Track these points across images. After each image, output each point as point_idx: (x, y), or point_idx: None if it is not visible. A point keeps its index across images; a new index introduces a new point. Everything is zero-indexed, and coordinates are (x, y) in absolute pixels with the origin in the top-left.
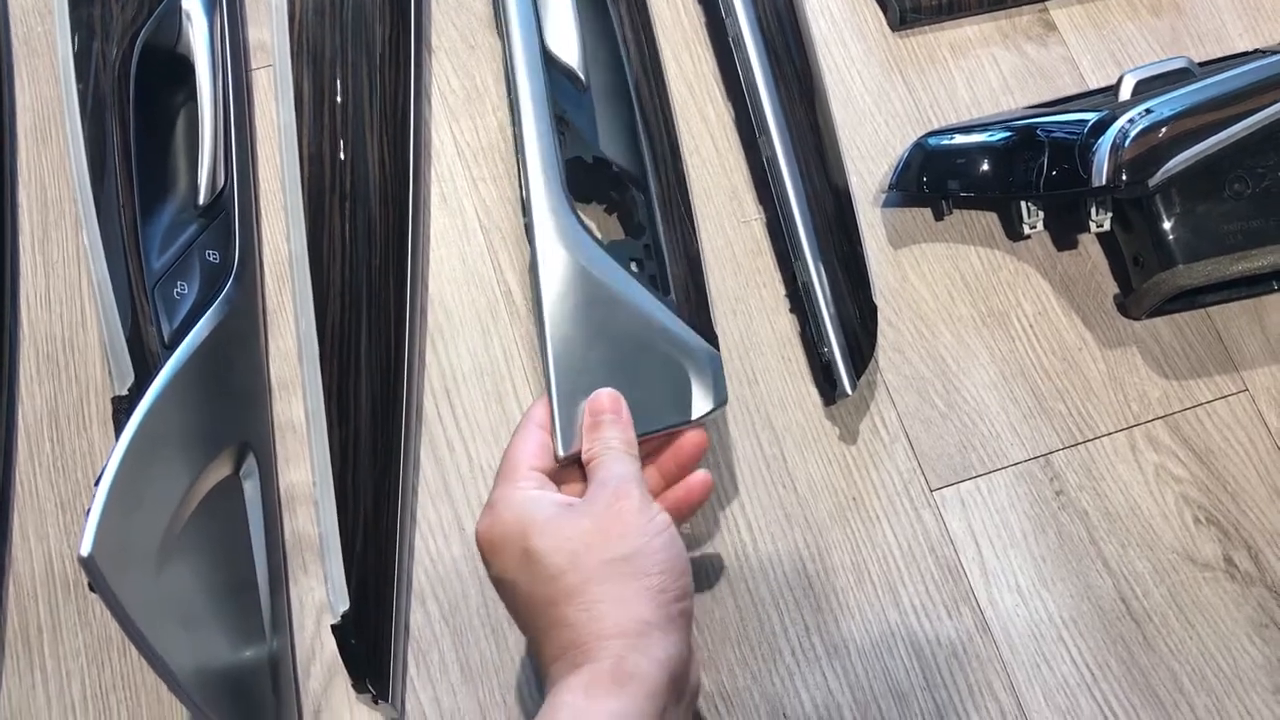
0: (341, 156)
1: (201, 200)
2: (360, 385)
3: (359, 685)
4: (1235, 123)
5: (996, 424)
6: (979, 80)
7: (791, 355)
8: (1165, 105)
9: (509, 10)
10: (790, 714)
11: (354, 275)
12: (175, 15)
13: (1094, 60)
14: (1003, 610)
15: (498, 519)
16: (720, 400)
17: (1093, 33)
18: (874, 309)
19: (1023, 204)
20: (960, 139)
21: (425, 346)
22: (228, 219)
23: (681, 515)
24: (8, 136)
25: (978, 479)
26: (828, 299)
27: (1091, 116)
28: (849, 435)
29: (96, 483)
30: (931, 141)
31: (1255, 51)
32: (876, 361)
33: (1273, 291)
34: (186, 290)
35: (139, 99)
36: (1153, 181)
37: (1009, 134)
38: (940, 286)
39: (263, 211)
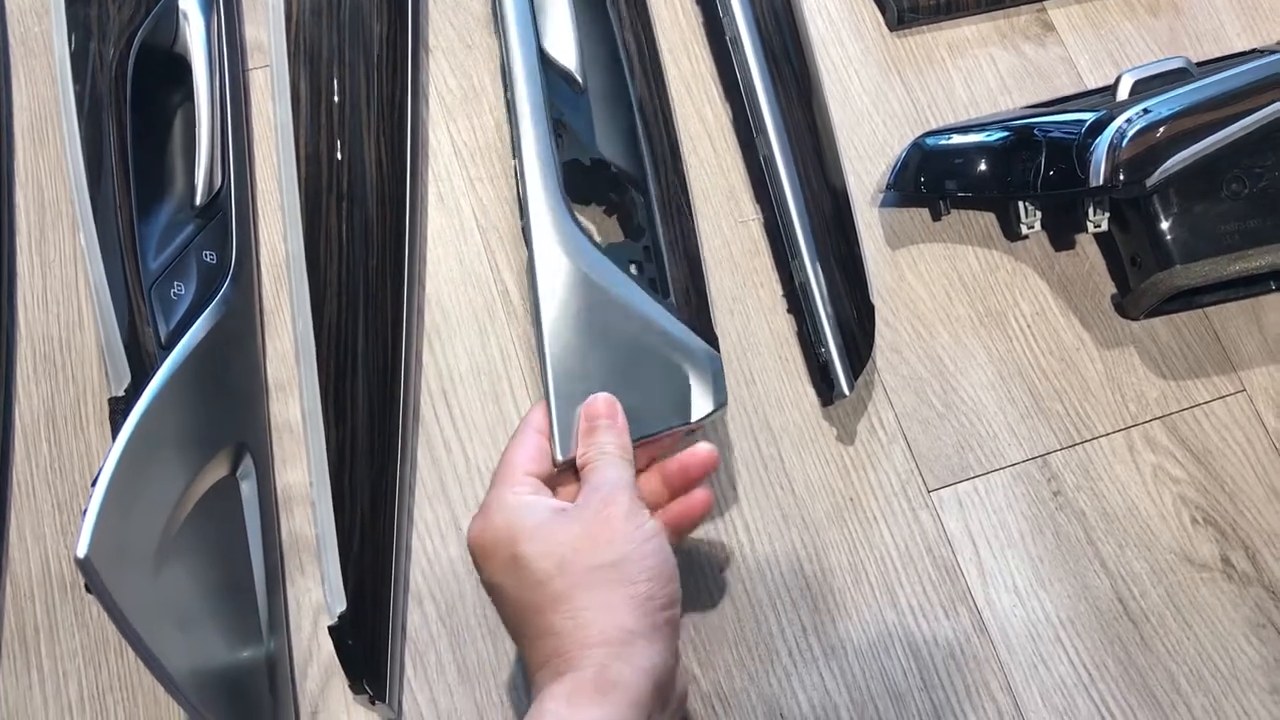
0: (338, 156)
1: (198, 200)
2: (357, 385)
3: (356, 686)
4: (1233, 123)
5: (994, 424)
6: (977, 80)
7: (789, 355)
8: (1163, 105)
9: (506, 13)
10: (787, 715)
11: (351, 275)
12: (172, 15)
13: (1092, 60)
14: (1000, 611)
15: (489, 523)
16: (720, 402)
17: (1090, 32)
18: (871, 309)
19: (1020, 204)
20: (958, 139)
21: (422, 347)
22: (225, 219)
23: (680, 529)
24: (4, 137)
25: (975, 479)
26: (825, 299)
27: (1089, 116)
28: (846, 436)
29: (93, 483)
30: (929, 141)
31: (1253, 51)
32: (874, 362)
33: (1270, 292)
34: (183, 291)
35: (136, 99)
36: (1150, 182)
37: (1007, 134)
38: (938, 286)
39: (260, 212)
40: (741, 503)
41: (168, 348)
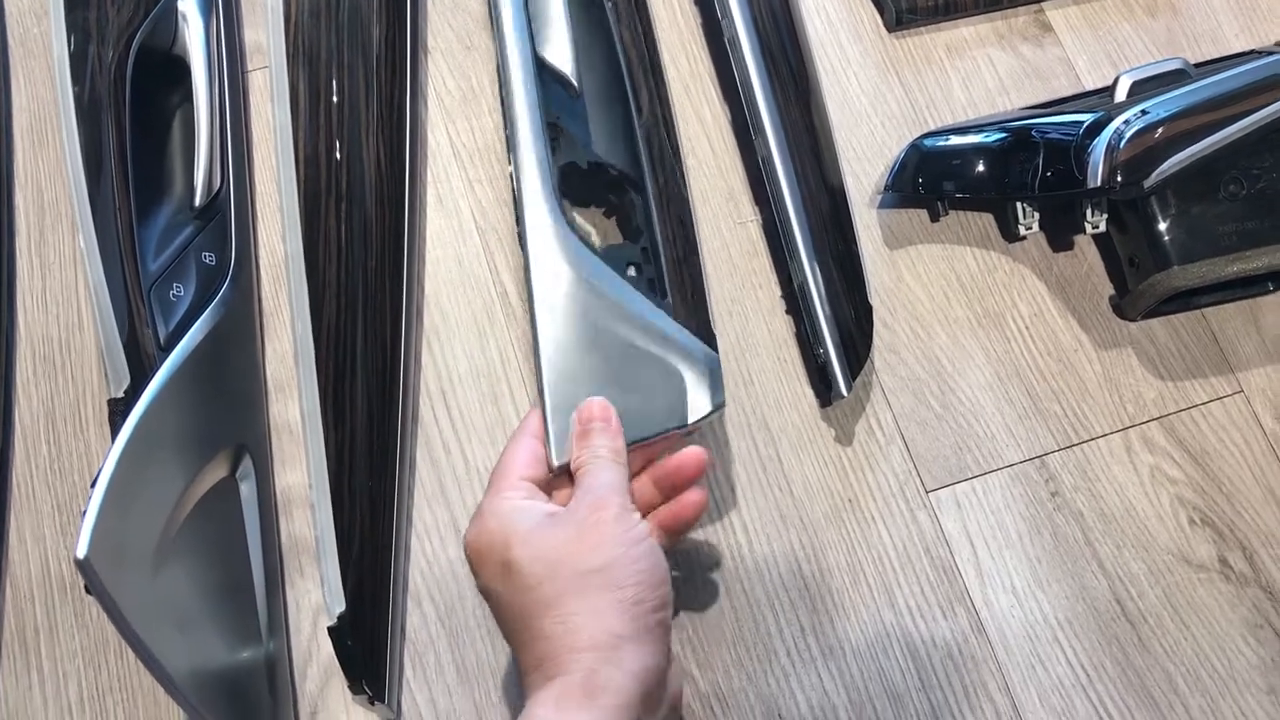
0: (337, 158)
1: (197, 202)
2: (356, 387)
3: (355, 686)
4: (1231, 124)
5: (992, 425)
6: (975, 81)
7: (787, 356)
8: (1161, 106)
9: (502, 16)
10: (786, 715)
11: (350, 277)
12: (171, 17)
13: (1090, 61)
14: (998, 611)
15: (483, 529)
16: (718, 402)
17: (1089, 33)
18: (869, 310)
19: (1018, 205)
20: (956, 140)
21: (421, 348)
22: (224, 221)
23: (674, 532)
24: (4, 138)
25: (973, 480)
26: (823, 300)
27: (1087, 118)
28: (845, 436)
29: (93, 485)
30: (927, 143)
31: (1251, 52)
32: (872, 363)
33: (1268, 293)
34: (182, 292)
35: (135, 101)
36: (1148, 183)
37: (1005, 135)
38: (936, 287)
39: (259, 213)
40: (740, 503)
41: (167, 349)
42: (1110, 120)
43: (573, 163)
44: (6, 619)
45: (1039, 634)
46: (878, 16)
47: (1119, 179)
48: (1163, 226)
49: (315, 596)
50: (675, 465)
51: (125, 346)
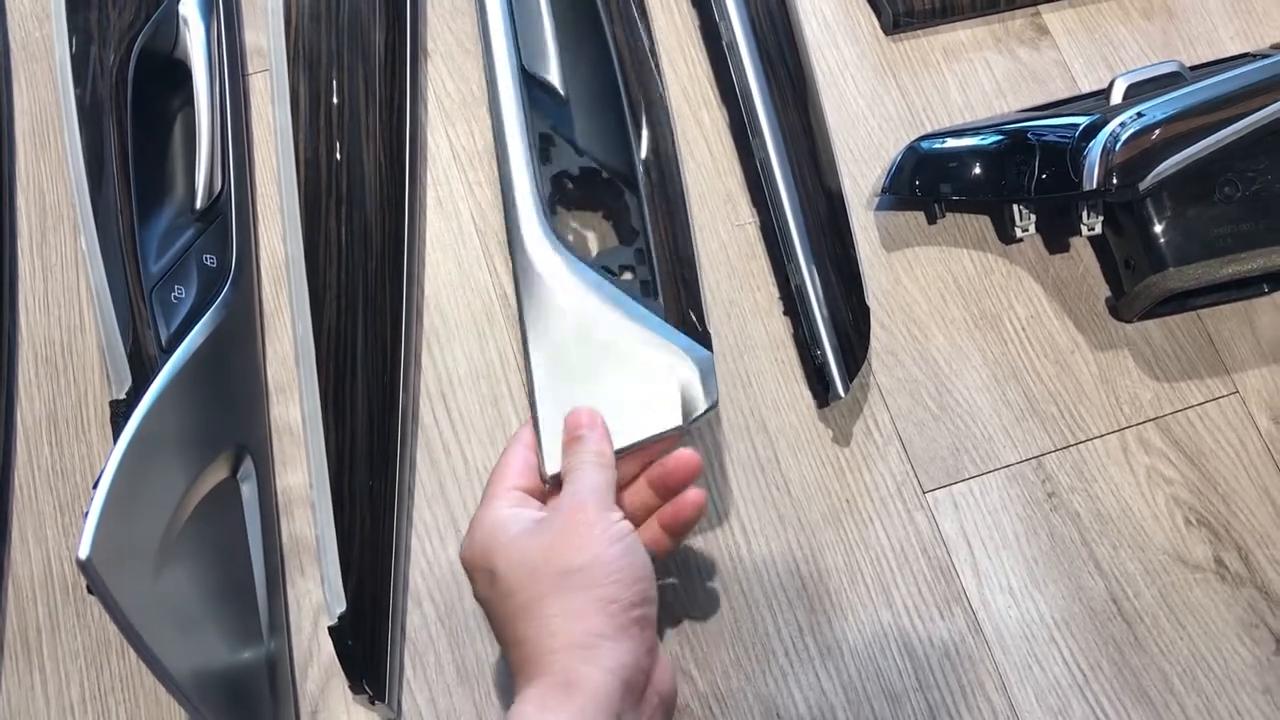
0: (338, 160)
1: (199, 204)
2: (357, 388)
3: (356, 686)
4: (1226, 126)
5: (989, 426)
6: (972, 84)
7: (785, 358)
8: (1156, 109)
9: (489, 27)
10: (784, 715)
11: (350, 279)
12: (172, 20)
13: (1086, 64)
14: (995, 611)
15: (472, 540)
16: (711, 401)
17: (1085, 36)
18: (867, 311)
19: (1015, 207)
20: (953, 143)
21: (421, 350)
22: (225, 223)
23: (675, 533)
24: (6, 141)
25: (970, 481)
26: (821, 302)
27: (1083, 120)
28: (842, 437)
29: (95, 486)
30: (924, 145)
31: (1246, 55)
32: (869, 364)
33: (1263, 294)
34: (184, 294)
35: (136, 104)
36: (1143, 185)
37: (1001, 138)
38: (933, 289)
39: (259, 215)
40: (738, 504)
41: (168, 351)
42: (1106, 123)
43: (566, 170)
44: (9, 619)
45: (1036, 634)
46: (875, 19)
47: (1115, 181)
48: (1158, 229)
49: (316, 596)
50: (670, 468)
51: (127, 348)
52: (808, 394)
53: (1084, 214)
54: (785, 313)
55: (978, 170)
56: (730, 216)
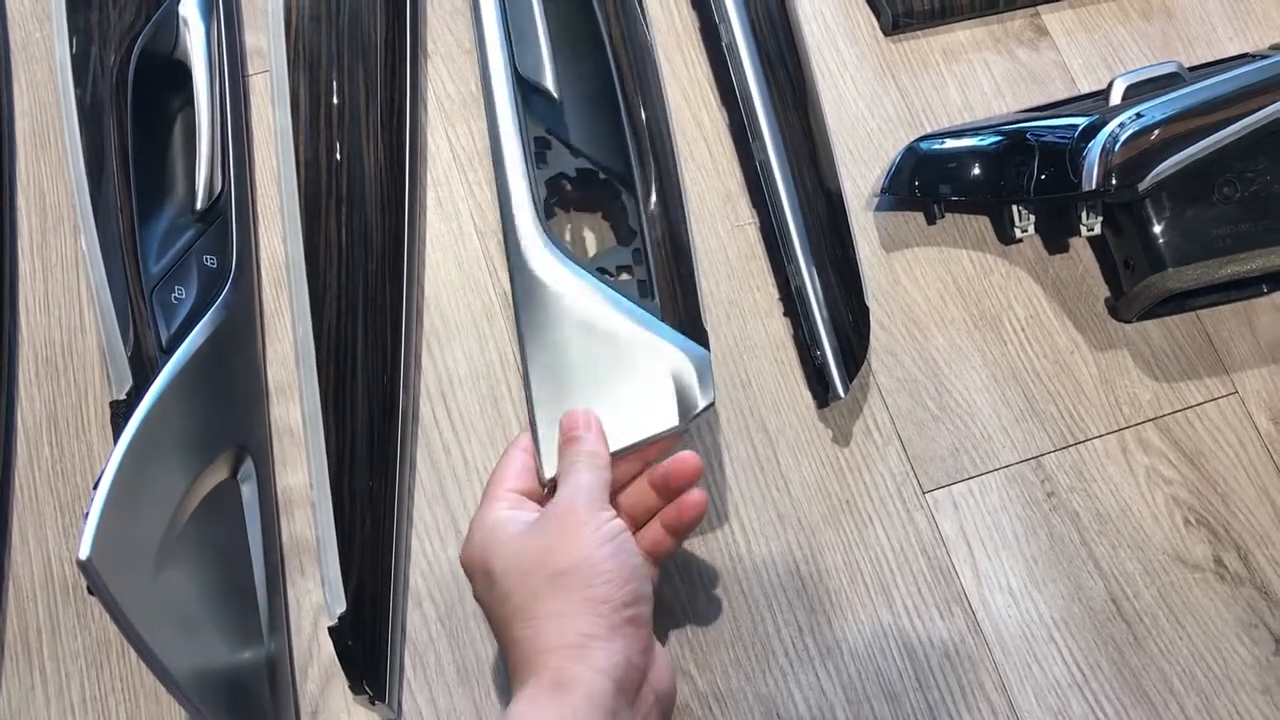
0: (338, 160)
1: (199, 205)
2: (357, 389)
3: (356, 686)
4: (1225, 127)
5: (988, 426)
6: (971, 85)
7: (785, 358)
8: (1155, 109)
9: (484, 31)
10: (784, 715)
11: (350, 279)
12: (173, 21)
13: (1085, 64)
14: (994, 611)
15: (469, 544)
16: (709, 401)
17: (1084, 37)
18: (866, 312)
19: (1014, 208)
20: (952, 143)
21: (421, 350)
22: (225, 224)
23: (677, 533)
24: (6, 142)
25: (970, 481)
26: (820, 302)
27: (1082, 121)
28: (842, 438)
29: (95, 486)
30: (924, 146)
31: (1244, 55)
32: (869, 364)
33: (1262, 294)
34: (184, 295)
35: (137, 104)
36: (1142, 185)
37: (1000, 138)
38: (932, 290)
39: (259, 216)
40: (738, 504)
41: (169, 351)
42: (1105, 123)
43: (563, 171)
44: (9, 620)
45: (1035, 633)
46: (874, 20)
47: (1114, 182)
48: (1157, 229)
49: (316, 596)
50: (671, 470)
51: (127, 349)
52: (807, 394)
53: (1083, 214)
54: (785, 313)
55: (977, 171)
56: (730, 217)
